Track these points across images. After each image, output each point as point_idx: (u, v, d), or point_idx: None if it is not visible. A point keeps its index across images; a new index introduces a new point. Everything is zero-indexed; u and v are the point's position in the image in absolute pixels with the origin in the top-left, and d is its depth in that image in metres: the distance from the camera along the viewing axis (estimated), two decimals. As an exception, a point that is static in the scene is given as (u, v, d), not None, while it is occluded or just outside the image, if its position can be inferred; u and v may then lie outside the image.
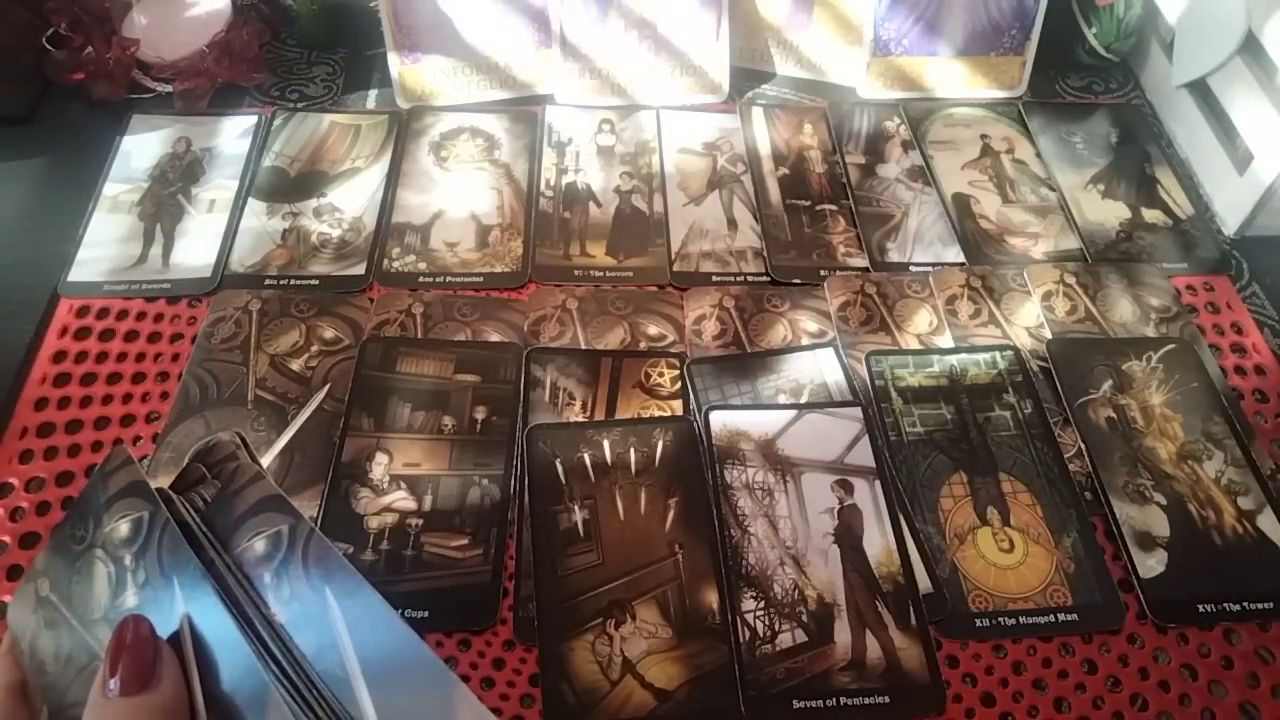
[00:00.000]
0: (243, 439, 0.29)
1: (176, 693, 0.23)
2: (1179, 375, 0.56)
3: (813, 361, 0.56)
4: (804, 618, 0.46)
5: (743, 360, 0.56)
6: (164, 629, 0.24)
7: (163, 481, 0.27)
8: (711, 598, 0.46)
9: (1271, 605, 0.48)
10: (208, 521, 0.27)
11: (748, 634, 0.45)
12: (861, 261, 0.63)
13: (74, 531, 0.27)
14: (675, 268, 0.62)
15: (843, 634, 0.45)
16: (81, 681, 0.25)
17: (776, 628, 0.45)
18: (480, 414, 0.54)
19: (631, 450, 0.51)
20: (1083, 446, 0.53)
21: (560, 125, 0.71)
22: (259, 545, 0.26)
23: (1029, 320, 0.60)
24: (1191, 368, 0.57)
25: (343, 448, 0.52)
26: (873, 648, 0.45)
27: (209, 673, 0.23)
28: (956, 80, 0.74)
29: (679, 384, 0.55)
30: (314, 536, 0.25)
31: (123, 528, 0.26)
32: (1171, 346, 0.58)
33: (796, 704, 0.43)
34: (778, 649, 0.45)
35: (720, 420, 0.52)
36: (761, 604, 0.46)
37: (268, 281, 0.60)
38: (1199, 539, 0.50)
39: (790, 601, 0.46)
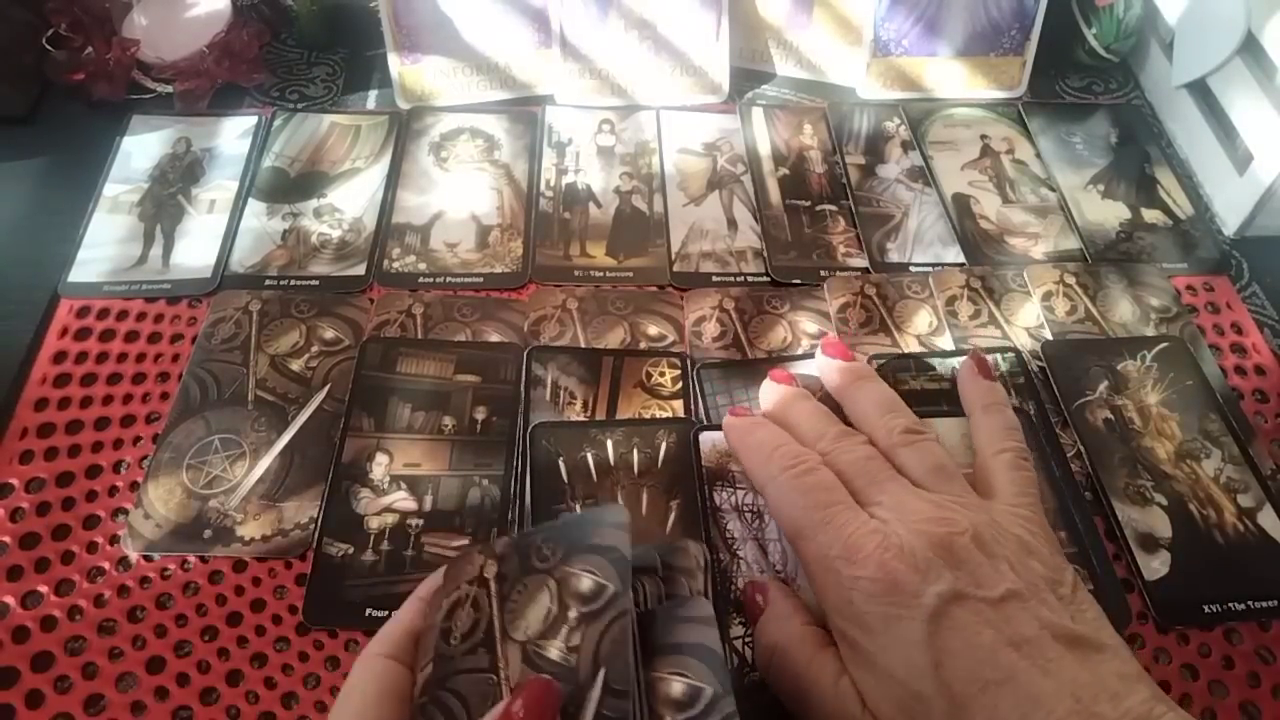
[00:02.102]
0: (708, 562, 0.28)
1: None
2: (1174, 374, 0.56)
3: (817, 366, 0.56)
4: None
5: (752, 365, 0.56)
6: (565, 709, 0.23)
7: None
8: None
9: (1275, 603, 0.48)
10: (642, 626, 0.26)
11: (736, 661, 0.44)
12: (861, 262, 0.63)
13: (544, 548, 0.27)
14: (675, 268, 0.62)
15: None
16: (470, 680, 0.25)
17: None
18: (480, 414, 0.54)
19: (635, 451, 0.51)
20: (1081, 448, 0.53)
21: (560, 125, 0.71)
22: (676, 687, 0.25)
23: (1029, 321, 0.60)
24: (1186, 365, 0.57)
25: (343, 448, 0.52)
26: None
27: None
28: (956, 81, 0.74)
29: (680, 384, 0.55)
30: None
31: (585, 582, 0.26)
32: (1165, 345, 0.58)
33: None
34: None
35: (709, 441, 0.52)
36: (749, 630, 0.45)
37: (268, 282, 0.60)
38: (1201, 539, 0.50)
39: None
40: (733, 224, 0.65)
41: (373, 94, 0.73)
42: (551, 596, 0.25)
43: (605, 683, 0.23)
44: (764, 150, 0.70)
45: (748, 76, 0.75)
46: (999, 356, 0.57)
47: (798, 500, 0.40)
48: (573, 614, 0.25)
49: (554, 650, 0.25)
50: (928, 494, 0.40)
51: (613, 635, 0.24)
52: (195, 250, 0.62)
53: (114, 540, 0.48)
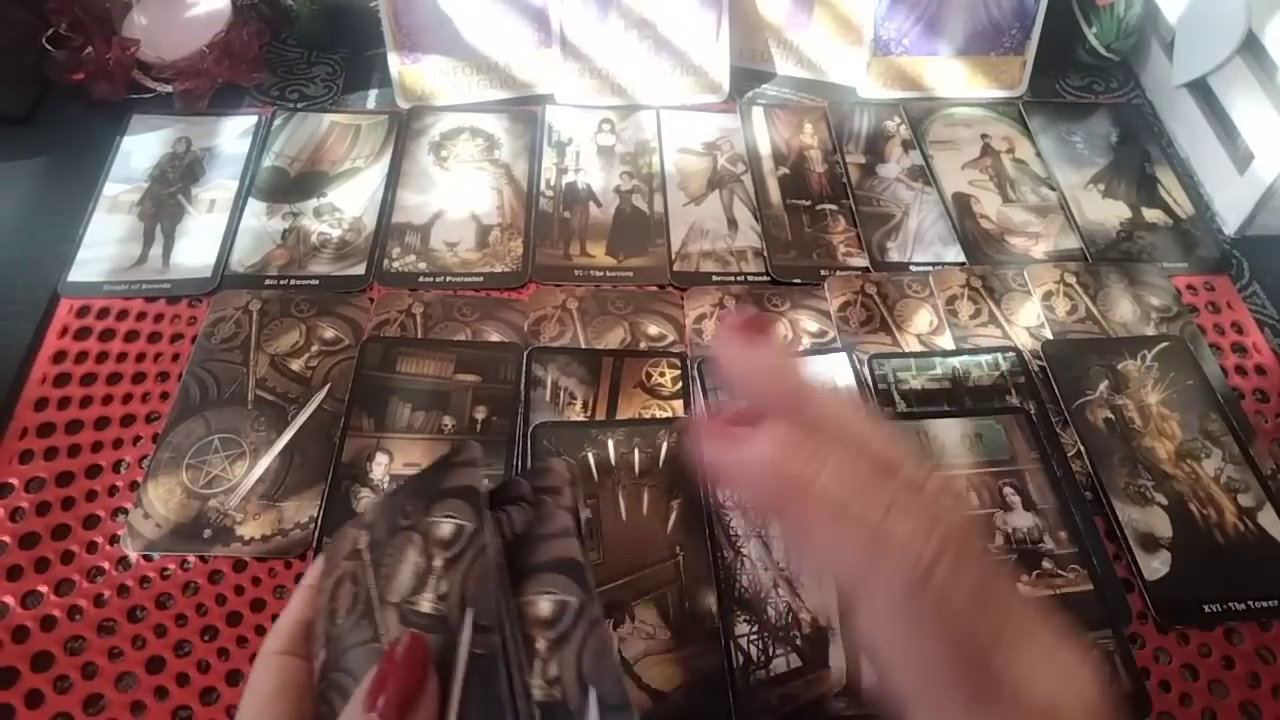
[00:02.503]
0: (574, 476, 0.27)
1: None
2: (1174, 373, 0.56)
3: (824, 366, 0.56)
4: (798, 641, 0.45)
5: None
6: (442, 656, 0.23)
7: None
8: (711, 601, 0.46)
9: (1276, 603, 0.48)
10: (509, 555, 0.25)
11: (741, 659, 0.45)
12: (862, 261, 0.63)
13: (404, 505, 0.27)
14: (675, 267, 0.62)
15: (837, 659, 0.45)
16: (358, 654, 0.24)
17: (770, 652, 0.45)
18: (480, 414, 0.54)
19: (635, 450, 0.51)
20: (1081, 448, 0.53)
21: (560, 125, 0.71)
22: (544, 606, 0.24)
23: (1029, 320, 0.60)
24: (1186, 365, 0.57)
25: (343, 448, 0.52)
26: (868, 672, 0.44)
27: None
28: (957, 80, 0.74)
29: (680, 384, 0.55)
30: (599, 628, 0.24)
31: (445, 528, 0.25)
32: (1165, 344, 0.58)
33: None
34: (771, 674, 0.44)
35: None
36: (755, 628, 0.45)
37: (268, 281, 0.60)
38: (1201, 539, 0.50)
39: (784, 625, 0.46)
40: (733, 223, 0.65)
41: (373, 93, 0.73)
42: (419, 550, 0.25)
43: (474, 622, 0.23)
44: (764, 150, 0.70)
45: (748, 76, 0.75)
46: (999, 356, 0.57)
47: None
48: (438, 562, 0.25)
49: (425, 603, 0.25)
50: None
51: (474, 574, 0.24)
52: (195, 250, 0.62)
53: (114, 540, 0.48)
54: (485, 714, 0.22)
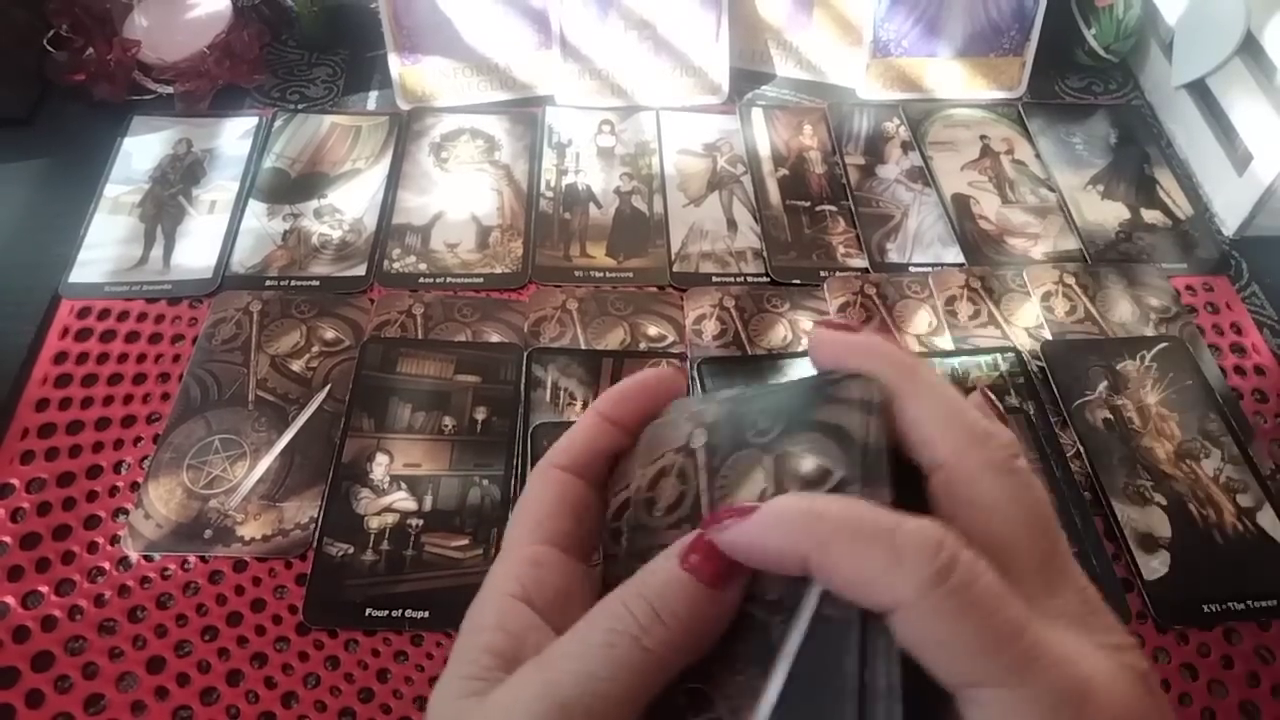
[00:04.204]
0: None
1: (737, 598, 0.21)
2: (1174, 374, 0.56)
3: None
4: None
5: (754, 362, 0.57)
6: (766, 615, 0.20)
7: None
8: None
9: (1275, 603, 0.48)
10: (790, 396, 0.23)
11: None
12: (861, 262, 0.63)
13: (759, 421, 0.23)
14: (675, 268, 0.62)
15: None
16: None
17: None
18: (480, 414, 0.54)
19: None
20: (1081, 448, 0.53)
21: (560, 126, 0.71)
22: (807, 463, 0.21)
23: (1028, 321, 0.60)
24: (1186, 365, 0.57)
25: (343, 448, 0.52)
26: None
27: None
28: (956, 81, 0.74)
29: (674, 364, 0.55)
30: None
31: (808, 464, 0.21)
32: (1165, 345, 0.58)
33: None
34: None
35: None
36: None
37: (268, 282, 0.60)
38: (1200, 539, 0.50)
39: None
40: (732, 224, 0.65)
41: (373, 95, 0.74)
42: (767, 475, 0.22)
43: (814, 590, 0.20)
44: (764, 151, 0.70)
45: (748, 77, 0.75)
46: (999, 356, 0.57)
47: None
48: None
49: None
50: None
51: None
52: (196, 251, 0.62)
53: (114, 540, 0.49)
54: (817, 686, 0.19)
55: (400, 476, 0.51)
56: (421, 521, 0.49)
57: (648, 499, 0.24)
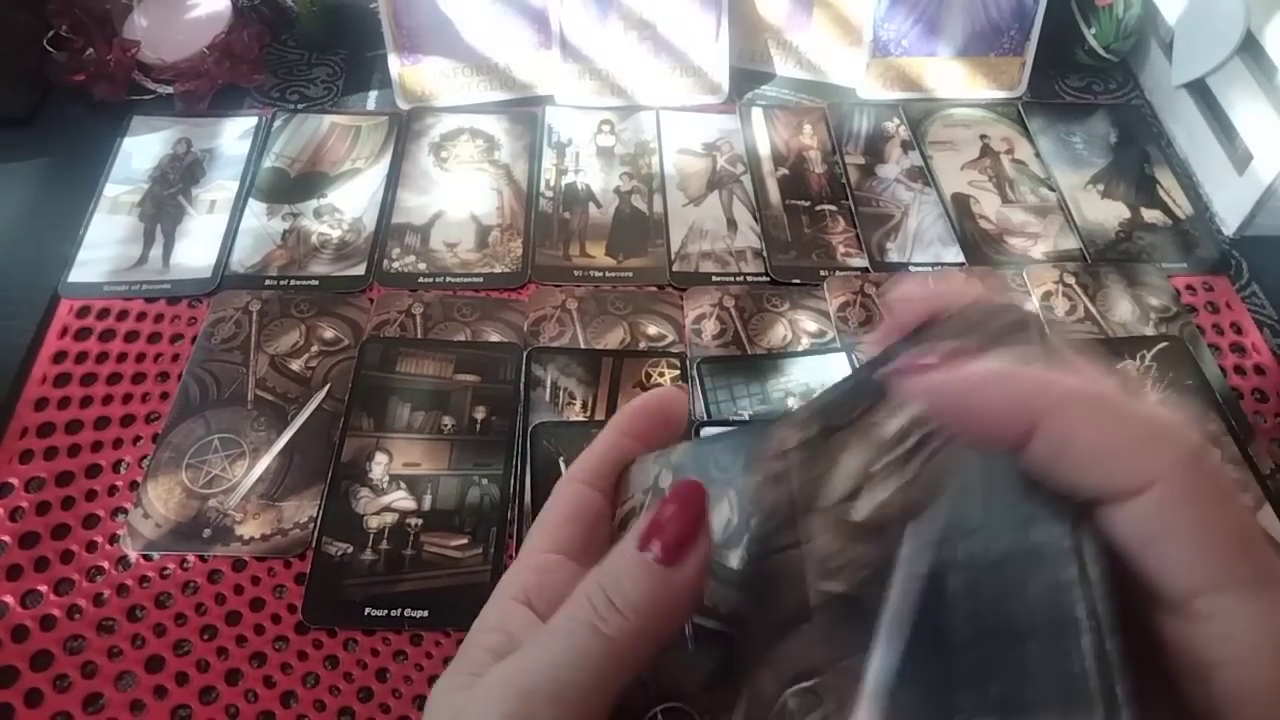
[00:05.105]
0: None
1: (694, 583, 0.21)
2: (1173, 373, 0.56)
3: (824, 365, 0.56)
4: None
5: (752, 361, 0.56)
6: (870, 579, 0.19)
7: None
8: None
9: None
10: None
11: None
12: (861, 262, 0.63)
13: (722, 458, 0.24)
14: (675, 268, 0.62)
15: None
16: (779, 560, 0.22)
17: None
18: (480, 414, 0.54)
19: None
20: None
21: (560, 126, 0.71)
22: (892, 423, 0.20)
23: (1029, 320, 0.60)
24: (1186, 366, 0.57)
25: (342, 447, 0.52)
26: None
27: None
28: (956, 81, 0.74)
29: (679, 384, 0.55)
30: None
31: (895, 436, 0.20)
32: (1165, 345, 0.58)
33: None
34: None
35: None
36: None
37: (268, 282, 0.60)
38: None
39: None
40: (732, 224, 0.65)
41: (373, 94, 0.74)
42: (731, 506, 0.24)
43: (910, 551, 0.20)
44: (764, 150, 0.70)
45: (748, 77, 0.75)
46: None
47: None
48: (755, 522, 0.23)
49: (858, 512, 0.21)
50: None
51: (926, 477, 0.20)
52: (195, 250, 0.62)
53: (113, 539, 0.49)
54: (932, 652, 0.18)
55: (399, 476, 0.51)
56: (421, 521, 0.49)
57: (617, 537, 0.25)
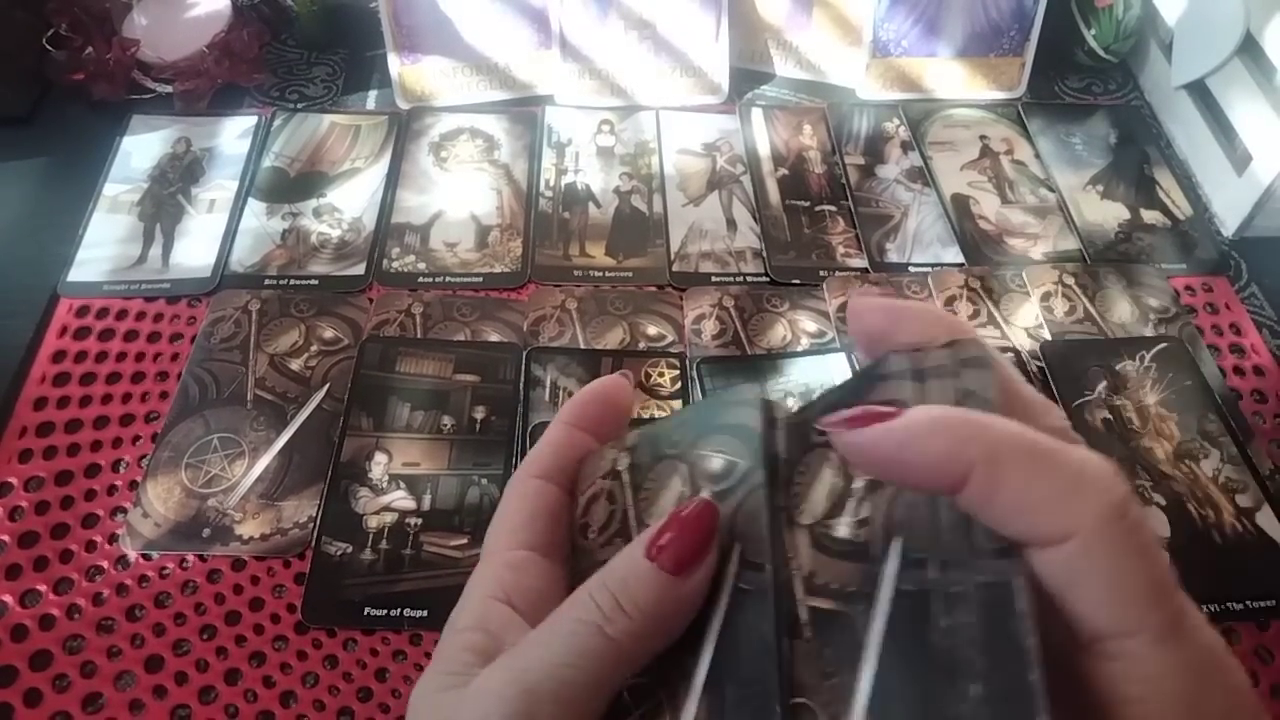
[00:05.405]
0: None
1: (700, 590, 0.21)
2: (1173, 374, 0.56)
3: (823, 365, 0.56)
4: None
5: (752, 361, 0.56)
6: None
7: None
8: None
9: (1273, 603, 0.48)
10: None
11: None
12: (861, 262, 0.63)
13: (674, 434, 0.25)
14: (674, 268, 0.62)
15: None
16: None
17: None
18: (479, 414, 0.54)
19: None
20: (1082, 447, 0.53)
21: (560, 126, 0.71)
22: (715, 462, 0.24)
23: (1028, 321, 0.60)
24: (1185, 366, 0.57)
25: (342, 447, 0.52)
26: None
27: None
28: (956, 81, 0.74)
29: (679, 384, 0.55)
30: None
31: (715, 463, 0.24)
32: (1164, 345, 0.58)
33: None
34: None
35: None
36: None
37: (267, 281, 0.60)
38: (1199, 539, 0.50)
39: None
40: (732, 224, 0.65)
41: (372, 94, 0.73)
42: (683, 480, 0.25)
43: (741, 556, 0.22)
44: (763, 151, 0.70)
45: (747, 77, 0.75)
46: (998, 356, 0.57)
47: None
48: (705, 493, 0.24)
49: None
50: None
51: (746, 509, 0.23)
52: (195, 250, 0.62)
53: (113, 539, 0.49)
54: (909, 663, 0.19)
55: (399, 476, 0.51)
56: (420, 521, 0.49)
57: (582, 524, 0.26)
